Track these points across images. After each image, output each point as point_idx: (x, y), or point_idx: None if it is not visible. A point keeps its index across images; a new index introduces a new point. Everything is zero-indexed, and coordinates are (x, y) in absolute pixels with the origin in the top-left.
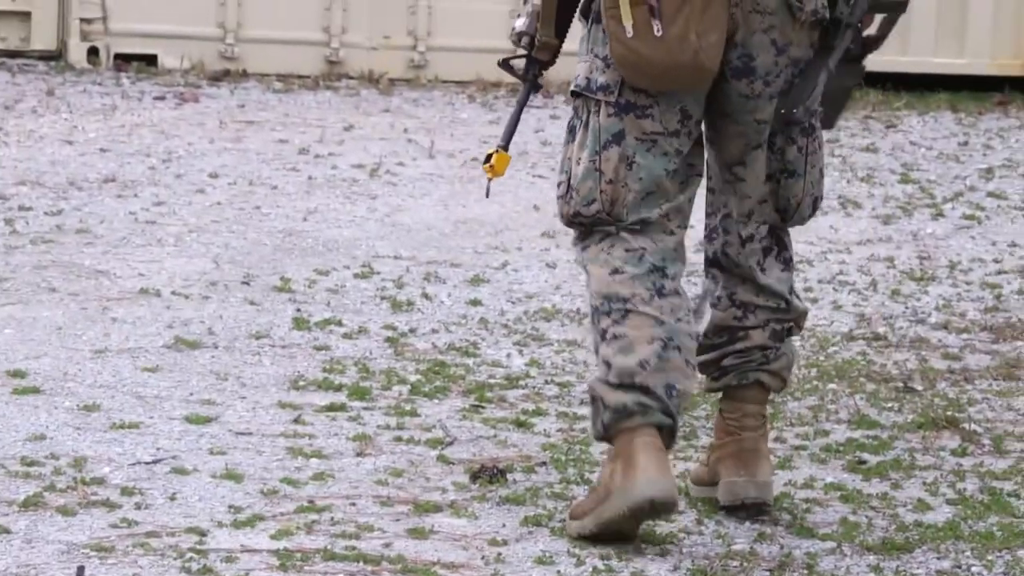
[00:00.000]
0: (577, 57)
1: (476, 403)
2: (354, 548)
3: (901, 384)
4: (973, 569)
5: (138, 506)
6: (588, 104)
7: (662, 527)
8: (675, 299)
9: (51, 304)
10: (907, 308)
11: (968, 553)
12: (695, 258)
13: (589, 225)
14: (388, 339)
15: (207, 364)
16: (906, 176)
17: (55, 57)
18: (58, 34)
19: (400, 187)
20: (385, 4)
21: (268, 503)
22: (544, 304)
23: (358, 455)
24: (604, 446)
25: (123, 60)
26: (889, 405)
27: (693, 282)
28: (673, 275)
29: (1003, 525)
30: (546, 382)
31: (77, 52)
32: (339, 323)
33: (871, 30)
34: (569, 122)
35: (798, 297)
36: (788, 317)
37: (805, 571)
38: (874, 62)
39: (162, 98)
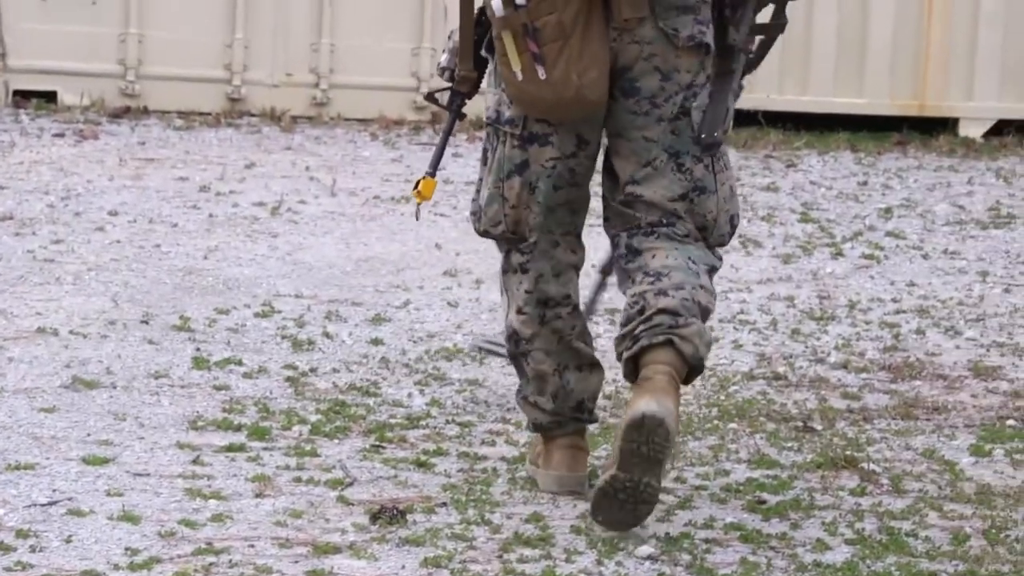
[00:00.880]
0: (489, 89)
1: (376, 443)
2: None
3: (801, 424)
4: None
5: (33, 548)
6: (497, 133)
7: (561, 567)
8: (558, 323)
9: None
10: (807, 347)
11: None
12: None
13: (499, 240)
14: (288, 379)
15: (105, 404)
16: (806, 215)
17: None
18: None
19: (301, 225)
20: (287, 41)
21: (165, 545)
22: (446, 343)
23: (257, 496)
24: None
25: (22, 96)
26: (789, 445)
27: None
28: (560, 299)
29: (901, 565)
30: (447, 422)
31: None
32: (239, 362)
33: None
34: (483, 146)
35: (714, 299)
36: (696, 284)
37: None
38: (775, 101)
39: (61, 135)
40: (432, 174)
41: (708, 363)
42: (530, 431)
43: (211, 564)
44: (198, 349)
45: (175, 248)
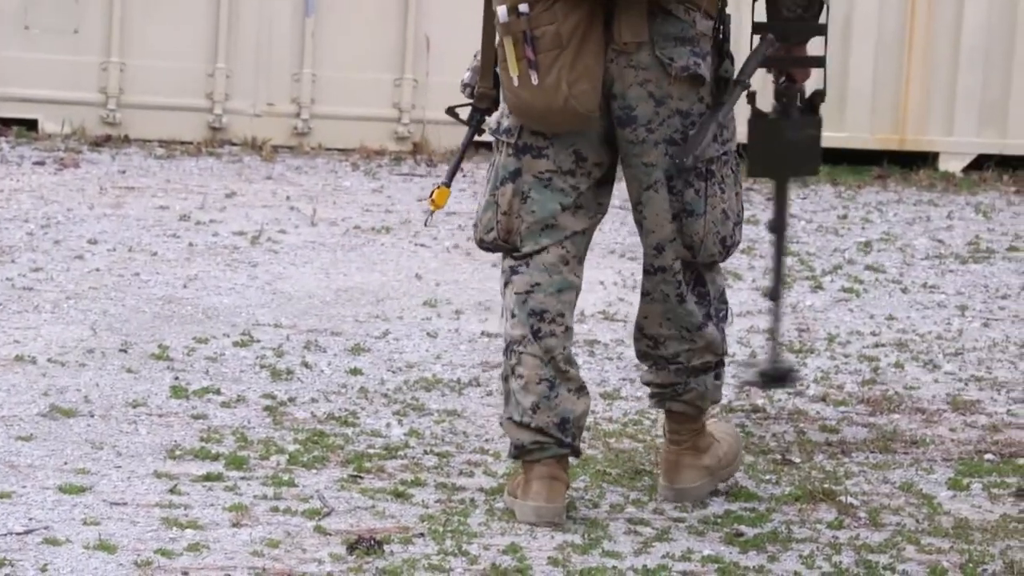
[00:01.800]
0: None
1: (354, 473)
2: None
3: (779, 456)
4: None
5: None
6: (498, 144)
7: None
8: (551, 340)
9: None
10: None
11: None
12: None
13: (493, 250)
14: (267, 408)
15: (82, 433)
16: (786, 248)
17: None
18: None
19: (281, 255)
20: (269, 71)
21: (141, 574)
22: (424, 374)
23: (234, 525)
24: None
25: (3, 124)
26: (767, 477)
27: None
28: (555, 315)
29: None
30: (425, 452)
31: None
32: (217, 391)
33: (816, 85)
34: (491, 158)
35: (720, 331)
36: (696, 347)
37: None
38: None
39: (42, 163)
40: (447, 184)
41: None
42: (511, 458)
43: None
44: (176, 378)
45: (154, 277)
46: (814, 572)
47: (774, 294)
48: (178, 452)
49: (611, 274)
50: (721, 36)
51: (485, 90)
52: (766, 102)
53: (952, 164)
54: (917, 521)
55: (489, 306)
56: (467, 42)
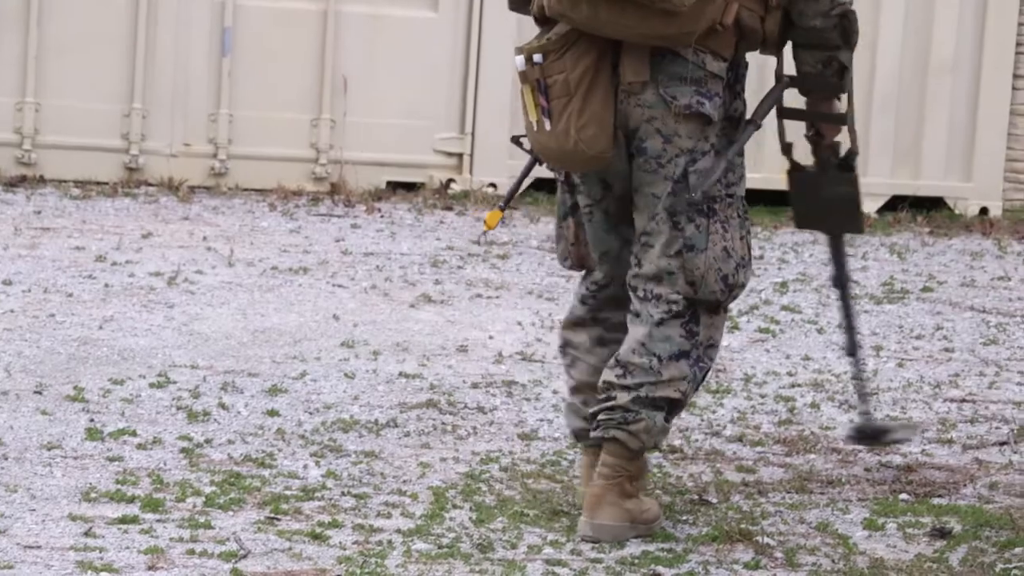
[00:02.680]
0: None
1: (271, 515)
2: None
3: (696, 496)
4: None
5: None
6: (556, 180)
7: None
8: (604, 350)
9: None
10: (703, 420)
11: None
12: None
13: (570, 270)
14: (183, 450)
15: None
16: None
17: None
18: None
19: (198, 296)
20: (185, 111)
21: None
22: (342, 415)
23: (150, 568)
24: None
25: None
26: (684, 518)
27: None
28: (614, 323)
29: None
30: (343, 494)
31: None
32: (133, 433)
33: (845, 140)
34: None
35: (692, 373)
36: (660, 380)
37: None
38: None
39: None
40: (503, 208)
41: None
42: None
43: None
44: (92, 420)
45: (70, 318)
46: None
47: (851, 349)
48: (93, 494)
49: (529, 315)
50: (734, 78)
51: None
52: (802, 157)
53: (867, 205)
54: (833, 561)
55: (407, 347)
56: (384, 83)
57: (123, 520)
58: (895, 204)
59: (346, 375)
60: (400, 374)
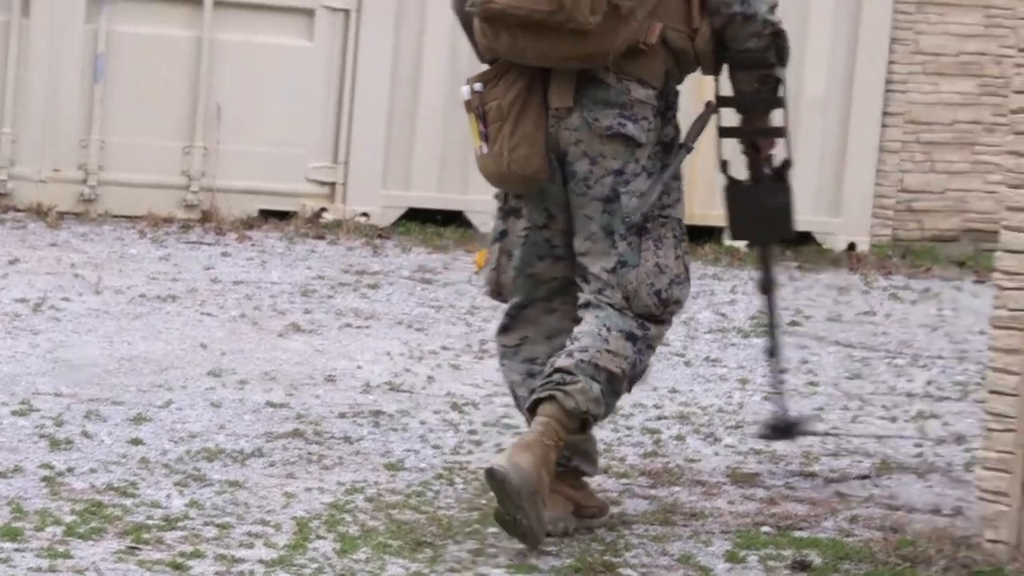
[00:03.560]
0: None
1: (132, 544)
2: None
3: (560, 528)
4: None
5: None
6: (497, 208)
7: None
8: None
9: None
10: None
11: None
12: None
13: (494, 299)
14: (44, 478)
15: None
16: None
17: None
18: None
19: (64, 323)
20: (56, 137)
21: None
22: (207, 444)
23: None
24: None
25: None
26: (548, 549)
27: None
28: (546, 359)
29: None
30: (205, 523)
31: None
32: None
33: (783, 153)
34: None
35: (635, 356)
36: (607, 347)
37: None
38: None
39: None
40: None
41: (471, 466)
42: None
43: None
44: None
45: None
46: None
47: (772, 350)
48: None
49: (397, 344)
50: (664, 105)
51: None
52: (738, 172)
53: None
54: None
55: (275, 376)
56: (258, 111)
57: None
58: None
59: (212, 404)
60: (267, 403)
